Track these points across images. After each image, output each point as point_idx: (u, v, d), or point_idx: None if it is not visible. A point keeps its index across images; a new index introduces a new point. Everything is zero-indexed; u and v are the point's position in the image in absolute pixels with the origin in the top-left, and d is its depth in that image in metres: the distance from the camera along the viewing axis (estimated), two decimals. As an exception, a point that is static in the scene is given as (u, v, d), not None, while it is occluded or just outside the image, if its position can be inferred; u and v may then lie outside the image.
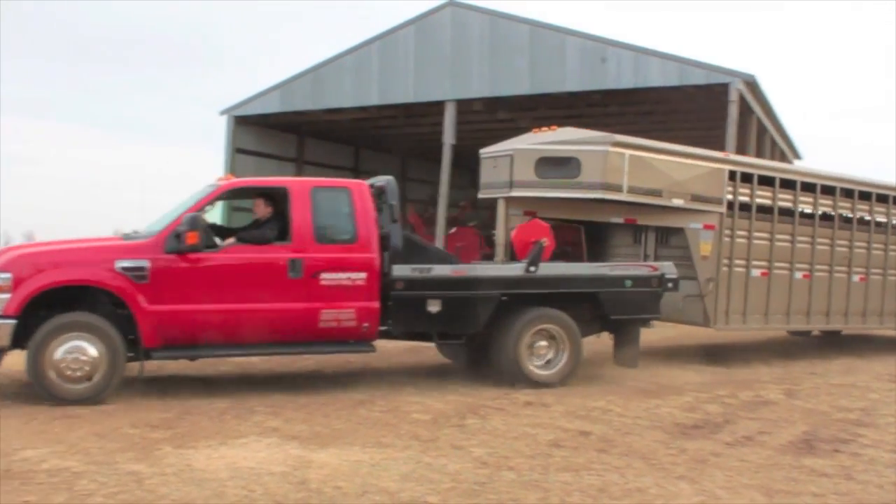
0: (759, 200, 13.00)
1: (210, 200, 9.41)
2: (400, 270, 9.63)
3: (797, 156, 32.60)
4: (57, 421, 7.82)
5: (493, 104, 24.40)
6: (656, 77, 21.60)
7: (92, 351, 8.56)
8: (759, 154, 24.18)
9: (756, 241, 12.92)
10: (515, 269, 10.31)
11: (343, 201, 9.64)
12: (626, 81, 21.90)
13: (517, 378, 9.95)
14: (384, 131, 30.46)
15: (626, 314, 10.77)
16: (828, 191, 13.86)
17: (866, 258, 14.37)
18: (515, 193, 12.07)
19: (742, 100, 21.16)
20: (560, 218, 12.50)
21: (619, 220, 12.59)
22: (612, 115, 25.47)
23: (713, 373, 12.12)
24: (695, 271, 12.24)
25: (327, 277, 9.28)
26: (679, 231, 12.50)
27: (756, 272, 12.92)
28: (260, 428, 7.75)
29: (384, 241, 9.67)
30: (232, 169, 25.79)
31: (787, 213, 13.39)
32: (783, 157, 29.66)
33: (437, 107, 23.94)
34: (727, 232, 12.53)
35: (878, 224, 14.76)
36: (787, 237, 13.31)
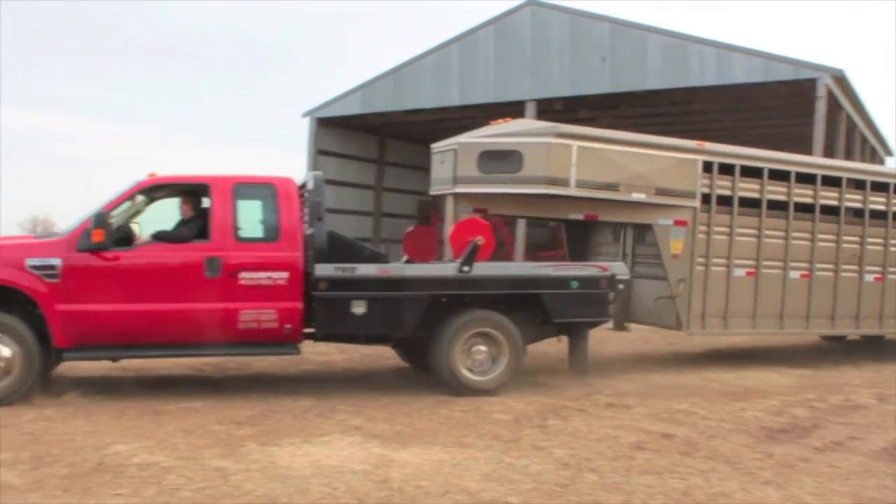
0: (742, 193, 11.99)
1: (127, 197, 9.15)
2: (323, 270, 9.17)
3: (889, 152, 31.61)
4: (146, 417, 8.04)
5: (574, 103, 24.23)
6: (740, 73, 21.18)
7: (5, 351, 8.43)
8: (849, 151, 23.52)
9: (739, 238, 11.96)
10: (447, 270, 9.75)
11: (267, 198, 9.26)
12: (709, 78, 21.52)
13: (451, 383, 9.42)
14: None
15: (571, 317, 10.04)
16: (831, 181, 12.72)
17: (883, 256, 13.20)
18: (459, 189, 11.19)
19: (830, 95, 20.60)
20: (513, 215, 11.99)
21: (579, 216, 11.51)
22: (695, 114, 25.07)
23: (800, 375, 11.82)
24: (665, 271, 11.54)
25: (247, 277, 8.92)
26: (650, 228, 11.70)
27: (740, 272, 11.97)
28: (342, 426, 7.84)
29: (309, 239, 9.30)
30: (315, 170, 26.11)
31: (779, 206, 12.32)
32: (874, 154, 28.80)
33: (517, 107, 23.86)
34: (703, 228, 11.65)
35: None
36: (780, 233, 12.29)
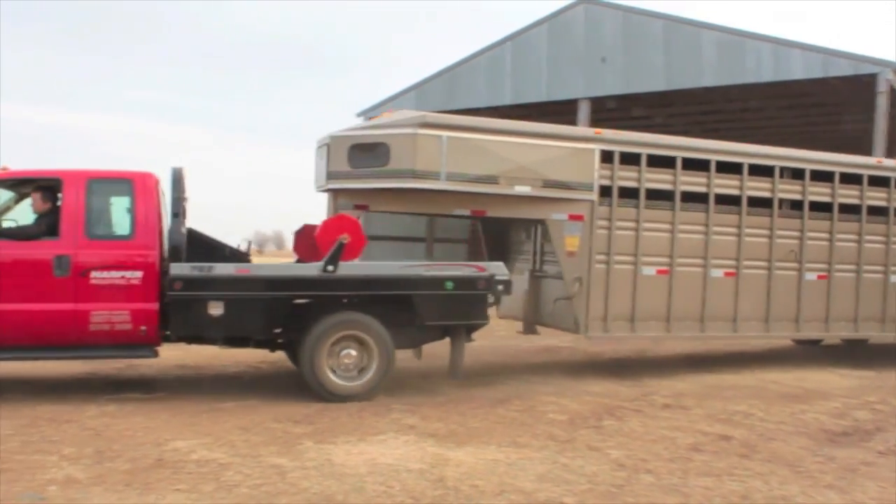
0: (650, 185, 11.05)
1: None
2: (178, 269, 8.73)
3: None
4: (204, 414, 8.15)
5: (628, 101, 24.01)
6: (798, 69, 20.79)
7: None
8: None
9: (648, 234, 11.01)
10: (311, 269, 9.23)
11: (123, 194, 8.82)
12: (766, 75, 21.17)
13: (315, 388, 8.96)
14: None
15: (446, 319, 9.48)
16: (761, 171, 11.70)
17: (827, 252, 12.16)
18: (332, 185, 10.43)
19: (892, 90, 20.14)
20: (396, 211, 11.04)
21: (465, 212, 10.57)
22: (751, 111, 24.68)
23: (860, 377, 11.60)
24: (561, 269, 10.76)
25: (98, 276, 8.48)
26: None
27: (650, 270, 11.02)
28: (398, 425, 7.87)
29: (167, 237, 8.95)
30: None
31: (697, 198, 11.36)
32: (937, 151, 28.06)
33: (570, 105, 23.72)
34: (603, 223, 10.77)
35: (848, 209, 12.39)
36: (700, 228, 11.30)
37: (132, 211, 8.74)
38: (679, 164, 11.13)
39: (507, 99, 25.36)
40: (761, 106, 24.27)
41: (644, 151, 10.98)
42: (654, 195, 11.13)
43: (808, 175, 11.95)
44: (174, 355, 10.15)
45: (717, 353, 13.69)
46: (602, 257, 10.76)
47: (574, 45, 24.01)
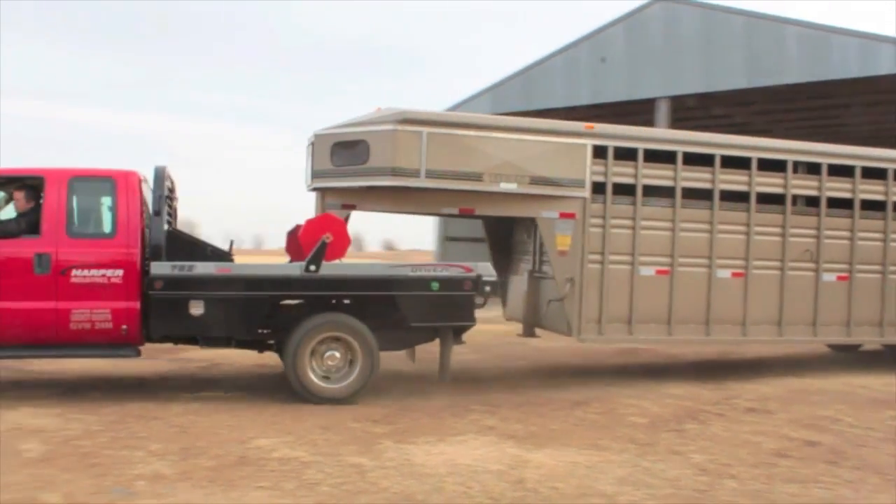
0: (648, 181, 10.54)
1: None
2: (158, 268, 8.67)
3: None
4: (286, 413, 8.27)
5: (708, 100, 23.61)
6: (886, 64, 20.19)
7: None
8: None
9: (646, 232, 10.50)
10: (293, 269, 9.14)
11: (106, 193, 8.80)
12: (853, 70, 20.59)
13: (298, 390, 8.84)
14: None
15: (431, 321, 9.24)
16: (771, 166, 11.05)
17: (848, 252, 11.43)
18: (317, 184, 10.20)
19: None
20: (386, 210, 10.66)
21: (453, 210, 10.28)
22: (837, 108, 24.05)
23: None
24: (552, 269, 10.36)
25: (79, 275, 8.42)
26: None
27: (648, 270, 10.48)
28: (477, 426, 7.87)
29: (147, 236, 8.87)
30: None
31: (701, 195, 10.82)
32: None
33: (648, 104, 23.44)
34: (596, 221, 10.31)
35: (870, 206, 11.65)
36: (704, 226, 10.73)
37: (114, 209, 8.71)
38: (680, 159, 10.63)
39: (584, 99, 25.18)
40: (847, 103, 23.64)
41: (641, 146, 10.50)
42: (654, 192, 10.69)
43: (825, 170, 11.28)
44: (254, 356, 10.27)
45: (801, 357, 13.37)
46: (596, 257, 10.33)
47: (652, 44, 23.72)
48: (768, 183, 11.06)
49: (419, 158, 9.66)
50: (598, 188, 10.31)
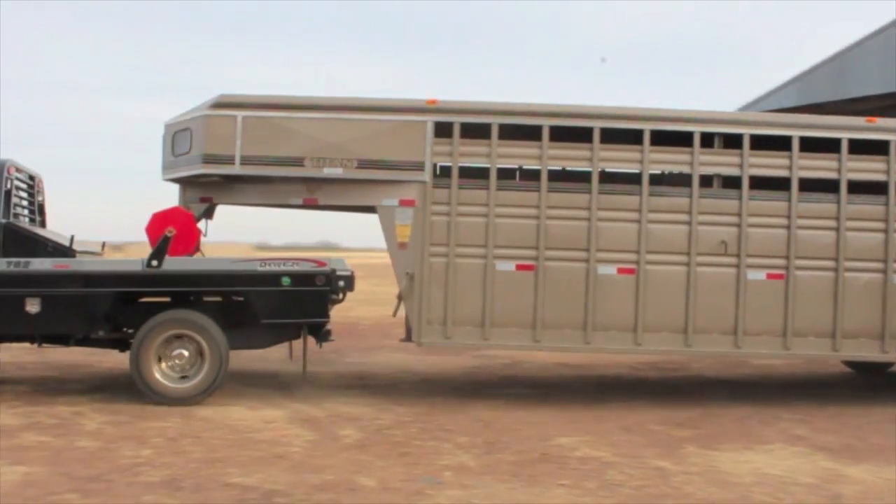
0: (504, 163, 9.13)
1: None
2: None
3: None
4: (588, 413, 8.30)
5: None
6: None
7: None
8: None
9: (503, 221, 8.93)
10: (134, 265, 8.61)
11: None
12: None
13: (143, 390, 8.30)
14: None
15: (283, 317, 8.70)
16: (669, 138, 9.00)
17: (785, 242, 8.96)
18: (164, 176, 9.57)
19: None
20: (244, 203, 9.65)
21: (298, 201, 9.41)
22: None
23: None
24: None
25: None
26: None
27: (507, 265, 8.92)
28: (786, 435, 7.47)
29: None
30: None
31: (573, 177, 9.19)
32: None
33: None
34: (440, 209, 8.97)
35: (817, 187, 9.09)
36: (579, 213, 8.93)
37: None
38: (546, 134, 9.01)
39: (906, 84, 23.12)
40: None
41: (495, 121, 9.03)
42: (512, 175, 9.53)
43: (747, 142, 9.00)
44: (557, 356, 10.44)
45: None
46: (440, 249, 9.01)
47: None
48: (666, 161, 9.18)
49: (233, 144, 9.02)
50: (444, 171, 9.19)
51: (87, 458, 6.24)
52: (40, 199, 9.85)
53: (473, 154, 9.07)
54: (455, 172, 8.98)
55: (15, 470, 5.87)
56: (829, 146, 9.07)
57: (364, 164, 8.99)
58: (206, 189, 9.45)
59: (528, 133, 9.08)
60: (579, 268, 8.90)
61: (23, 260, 8.47)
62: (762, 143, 9.05)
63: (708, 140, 9.05)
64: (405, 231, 9.11)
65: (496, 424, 7.70)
